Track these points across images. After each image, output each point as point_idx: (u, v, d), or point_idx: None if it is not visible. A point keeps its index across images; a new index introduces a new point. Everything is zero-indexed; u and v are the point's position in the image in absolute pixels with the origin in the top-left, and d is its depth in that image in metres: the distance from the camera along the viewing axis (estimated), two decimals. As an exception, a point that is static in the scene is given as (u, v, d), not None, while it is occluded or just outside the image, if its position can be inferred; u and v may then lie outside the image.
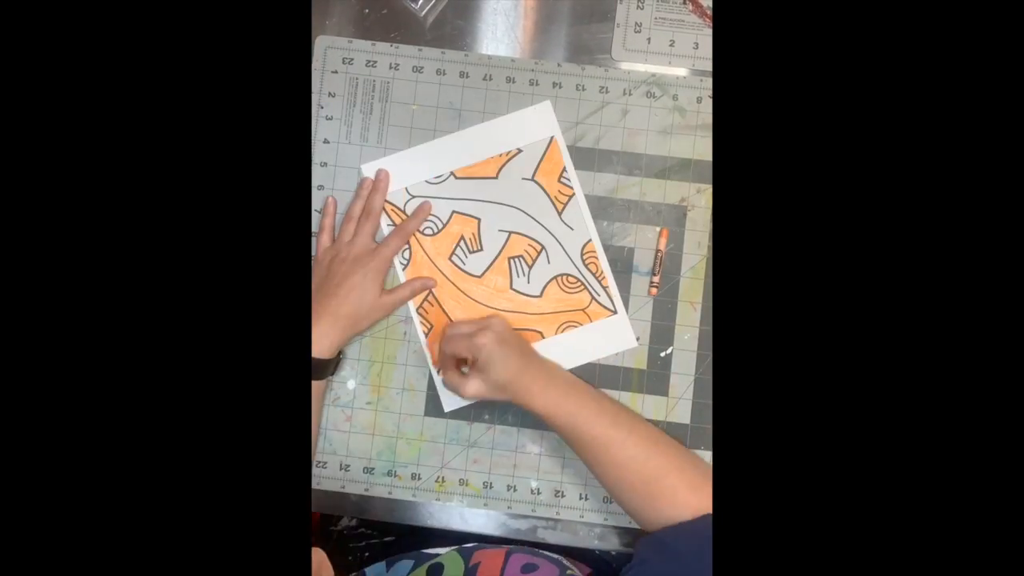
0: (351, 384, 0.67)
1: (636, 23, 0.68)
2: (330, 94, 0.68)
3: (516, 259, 0.67)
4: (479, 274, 0.67)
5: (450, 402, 0.66)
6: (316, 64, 0.68)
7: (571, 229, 0.67)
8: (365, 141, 0.68)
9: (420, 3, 0.67)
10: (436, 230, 0.67)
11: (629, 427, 0.58)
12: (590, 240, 0.67)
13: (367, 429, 0.67)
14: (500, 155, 0.67)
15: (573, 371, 0.65)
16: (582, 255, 0.67)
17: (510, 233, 0.67)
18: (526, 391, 0.58)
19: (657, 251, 0.66)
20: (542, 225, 0.67)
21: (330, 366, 0.63)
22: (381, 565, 0.58)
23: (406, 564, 0.57)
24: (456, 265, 0.67)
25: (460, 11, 0.69)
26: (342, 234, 0.65)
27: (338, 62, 0.68)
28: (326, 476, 0.66)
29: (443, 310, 0.67)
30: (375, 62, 0.68)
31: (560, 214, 0.67)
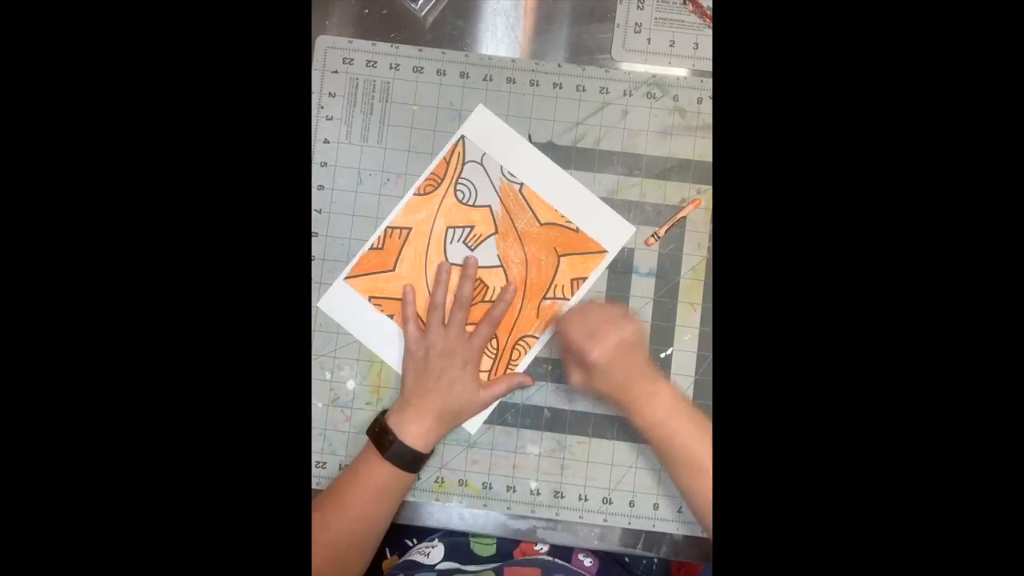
0: (351, 384, 0.67)
1: (636, 23, 0.68)
2: (330, 94, 0.68)
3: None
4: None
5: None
6: (316, 64, 0.68)
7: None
8: (365, 141, 0.68)
9: (420, 3, 0.67)
10: None
11: None
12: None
13: (367, 429, 0.66)
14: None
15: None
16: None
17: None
18: (626, 408, 0.59)
19: (679, 210, 0.66)
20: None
21: (424, 460, 0.62)
22: None
23: None
24: None
25: (460, 11, 0.69)
26: (431, 324, 0.64)
27: (338, 62, 0.68)
28: (325, 476, 0.66)
29: None
30: (375, 62, 0.68)
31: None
